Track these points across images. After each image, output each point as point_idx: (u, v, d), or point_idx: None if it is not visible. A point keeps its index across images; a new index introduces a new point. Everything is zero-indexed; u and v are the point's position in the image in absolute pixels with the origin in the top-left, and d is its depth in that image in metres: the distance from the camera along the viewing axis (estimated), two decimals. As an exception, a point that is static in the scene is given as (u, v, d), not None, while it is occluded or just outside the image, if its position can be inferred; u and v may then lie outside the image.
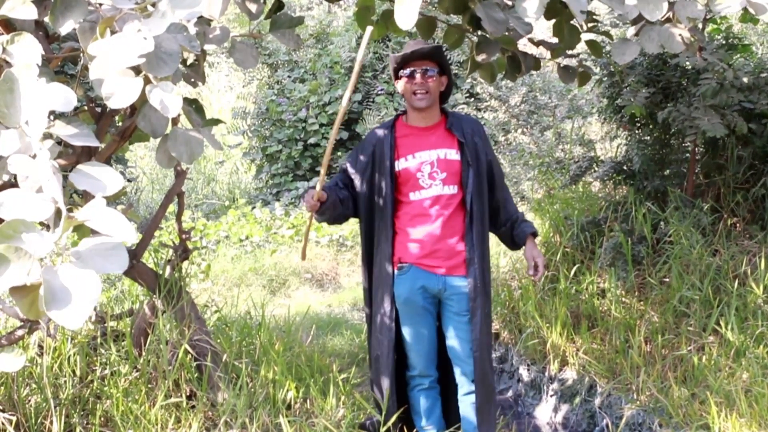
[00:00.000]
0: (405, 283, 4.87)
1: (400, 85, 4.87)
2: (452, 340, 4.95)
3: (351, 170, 5.00)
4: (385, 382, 4.95)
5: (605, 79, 7.84)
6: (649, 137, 7.79)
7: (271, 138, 16.10)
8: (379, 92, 15.52)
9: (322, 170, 4.57)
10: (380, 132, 4.97)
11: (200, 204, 17.02)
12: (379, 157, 4.89)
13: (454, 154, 4.84)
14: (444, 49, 5.60)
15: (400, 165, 4.85)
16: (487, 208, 4.93)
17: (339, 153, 15.59)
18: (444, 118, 4.95)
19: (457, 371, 5.01)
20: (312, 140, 15.48)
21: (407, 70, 4.78)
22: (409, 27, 3.23)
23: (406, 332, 4.97)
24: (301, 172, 15.78)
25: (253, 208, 14.41)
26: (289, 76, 16.68)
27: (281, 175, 15.91)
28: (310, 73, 16.48)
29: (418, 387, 5.08)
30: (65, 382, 4.81)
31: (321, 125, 15.56)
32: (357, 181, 4.99)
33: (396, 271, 4.89)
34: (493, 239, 5.18)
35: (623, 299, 6.71)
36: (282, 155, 15.82)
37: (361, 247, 5.16)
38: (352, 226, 12.10)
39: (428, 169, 4.80)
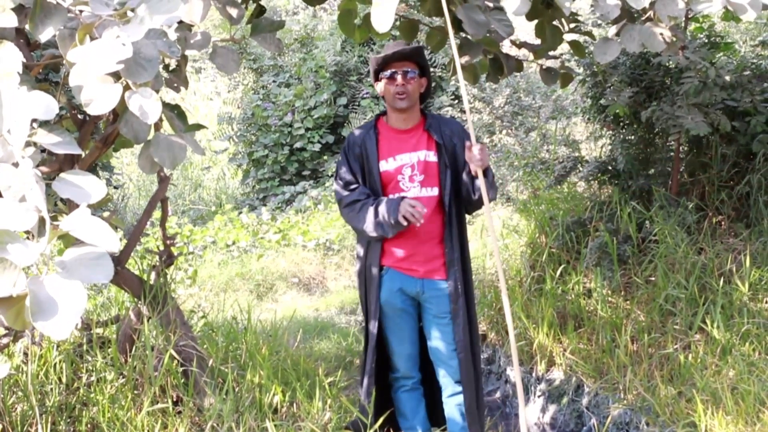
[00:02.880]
0: (384, 286, 4.87)
1: (380, 87, 4.86)
2: (434, 342, 4.94)
3: (358, 175, 4.93)
4: (366, 383, 4.97)
5: (588, 79, 7.85)
6: (633, 136, 7.81)
7: (257, 143, 16.10)
8: (365, 96, 15.52)
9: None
10: (363, 133, 4.94)
11: (187, 210, 17.00)
12: (366, 158, 4.86)
13: (432, 156, 4.82)
14: (426, 50, 5.56)
15: (382, 167, 4.83)
16: (463, 208, 4.92)
17: (325, 157, 15.59)
18: (423, 120, 4.94)
19: (440, 373, 5.01)
20: (298, 144, 15.48)
21: (387, 72, 4.76)
22: (386, 30, 3.23)
23: (388, 334, 4.97)
24: (288, 177, 15.77)
25: (240, 213, 14.40)
26: (274, 81, 16.69)
27: (267, 180, 15.90)
28: (296, 78, 16.49)
29: (401, 388, 5.09)
30: (51, 389, 4.80)
31: (306, 129, 15.56)
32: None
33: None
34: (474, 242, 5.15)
35: (609, 299, 6.72)
36: (268, 160, 15.82)
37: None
38: (338, 230, 12.11)
39: (409, 172, 4.78)
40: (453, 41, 3.96)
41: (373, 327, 4.93)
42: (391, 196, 4.77)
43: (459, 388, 4.92)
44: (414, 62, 4.79)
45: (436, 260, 4.83)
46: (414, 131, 4.88)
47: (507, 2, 3.59)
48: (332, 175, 13.88)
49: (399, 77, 4.72)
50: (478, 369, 4.99)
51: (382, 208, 4.68)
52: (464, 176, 4.78)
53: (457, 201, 4.85)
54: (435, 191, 4.81)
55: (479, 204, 4.77)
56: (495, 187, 4.84)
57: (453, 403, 4.99)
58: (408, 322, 4.95)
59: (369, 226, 4.74)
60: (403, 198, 4.67)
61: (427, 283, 4.82)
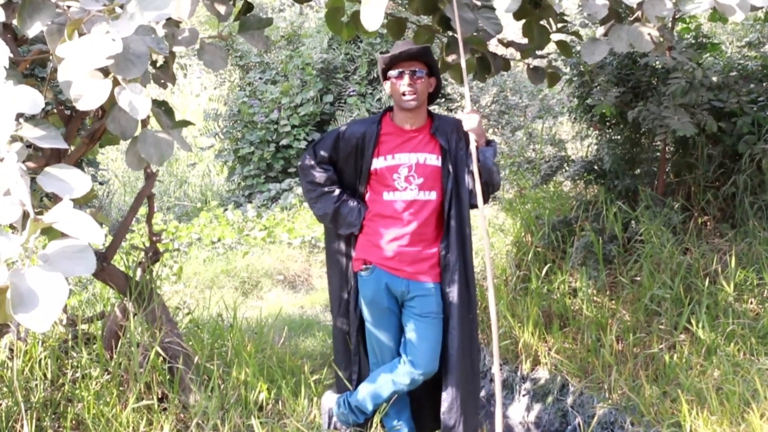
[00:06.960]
0: (370, 284, 4.86)
1: (389, 86, 4.85)
2: (408, 335, 4.88)
3: (333, 158, 4.95)
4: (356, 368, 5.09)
5: (575, 78, 7.86)
6: (619, 136, 7.83)
7: (243, 140, 16.01)
8: (351, 93, 15.48)
9: None
10: (365, 126, 4.92)
11: (173, 206, 16.92)
12: (361, 151, 4.86)
13: (434, 160, 4.81)
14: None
15: (378, 163, 4.82)
16: (468, 212, 4.88)
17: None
18: (429, 122, 4.91)
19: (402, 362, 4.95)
20: (284, 142, 15.40)
21: (395, 71, 4.75)
22: (375, 28, 3.24)
23: (372, 333, 4.96)
24: (273, 174, 15.70)
25: (225, 210, 14.33)
26: (260, 78, 16.62)
27: (253, 177, 15.82)
28: (282, 75, 16.42)
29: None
30: (36, 385, 4.78)
31: (293, 127, 15.48)
32: (339, 171, 4.98)
33: (361, 272, 4.90)
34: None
35: (595, 298, 6.73)
36: (254, 157, 15.74)
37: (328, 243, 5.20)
38: (323, 227, 12.07)
39: (405, 172, 4.77)
40: (457, 21, 3.96)
41: (355, 319, 5.00)
42: (352, 205, 4.87)
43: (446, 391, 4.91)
44: (422, 62, 4.77)
45: (425, 262, 4.81)
46: (419, 132, 4.86)
47: (498, 0, 3.60)
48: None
49: (407, 77, 4.71)
50: (476, 372, 5.02)
51: (344, 211, 4.89)
52: (467, 178, 4.80)
53: (459, 205, 4.82)
54: (433, 195, 4.80)
55: (488, 187, 4.76)
56: (497, 170, 4.82)
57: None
58: (393, 321, 4.93)
59: (318, 212, 4.98)
60: (360, 211, 4.87)
61: (412, 284, 4.81)
